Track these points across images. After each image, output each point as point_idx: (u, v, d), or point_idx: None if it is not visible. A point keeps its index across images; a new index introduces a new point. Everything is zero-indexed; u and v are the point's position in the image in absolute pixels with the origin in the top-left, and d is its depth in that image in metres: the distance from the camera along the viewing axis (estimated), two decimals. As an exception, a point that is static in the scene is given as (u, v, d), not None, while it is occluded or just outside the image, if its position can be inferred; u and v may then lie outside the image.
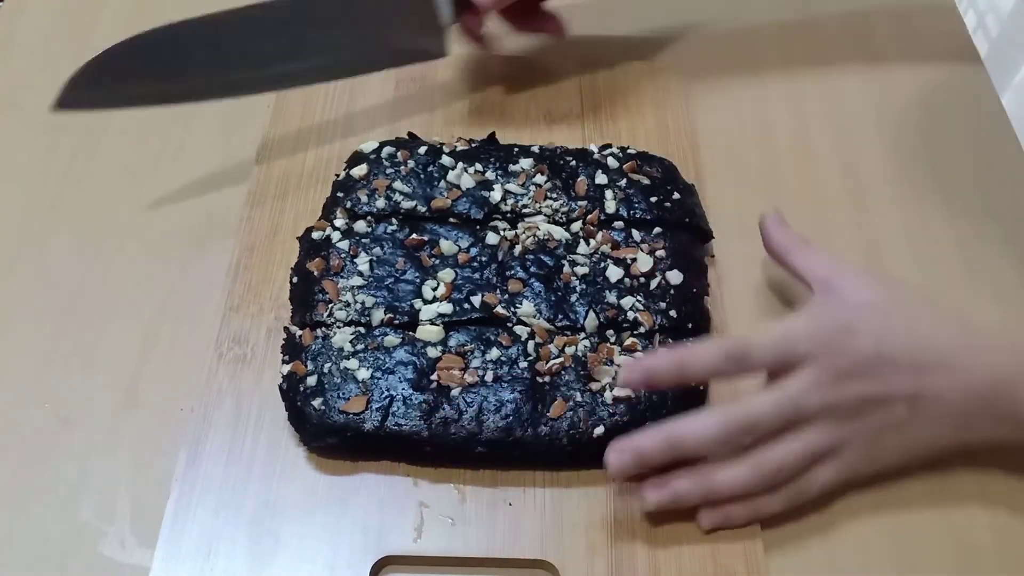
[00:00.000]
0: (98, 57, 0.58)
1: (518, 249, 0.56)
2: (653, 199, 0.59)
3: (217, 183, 0.62)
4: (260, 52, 0.60)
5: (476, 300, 0.54)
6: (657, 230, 0.57)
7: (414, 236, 0.56)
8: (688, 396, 0.51)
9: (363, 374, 0.51)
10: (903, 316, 0.49)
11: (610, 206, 0.58)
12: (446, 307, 0.53)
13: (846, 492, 0.50)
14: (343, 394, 0.50)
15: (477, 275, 0.55)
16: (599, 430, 0.50)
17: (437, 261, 0.55)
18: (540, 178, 0.59)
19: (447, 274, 0.55)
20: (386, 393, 0.50)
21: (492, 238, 0.56)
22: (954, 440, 0.49)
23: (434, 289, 0.54)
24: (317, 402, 0.50)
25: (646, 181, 0.60)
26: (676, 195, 0.59)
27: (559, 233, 0.57)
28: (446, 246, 0.56)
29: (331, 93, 0.67)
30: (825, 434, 0.47)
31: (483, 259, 0.55)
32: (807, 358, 0.47)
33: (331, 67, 0.62)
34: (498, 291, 0.54)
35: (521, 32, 0.68)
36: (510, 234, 0.57)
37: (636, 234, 0.57)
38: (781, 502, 0.48)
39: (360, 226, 0.56)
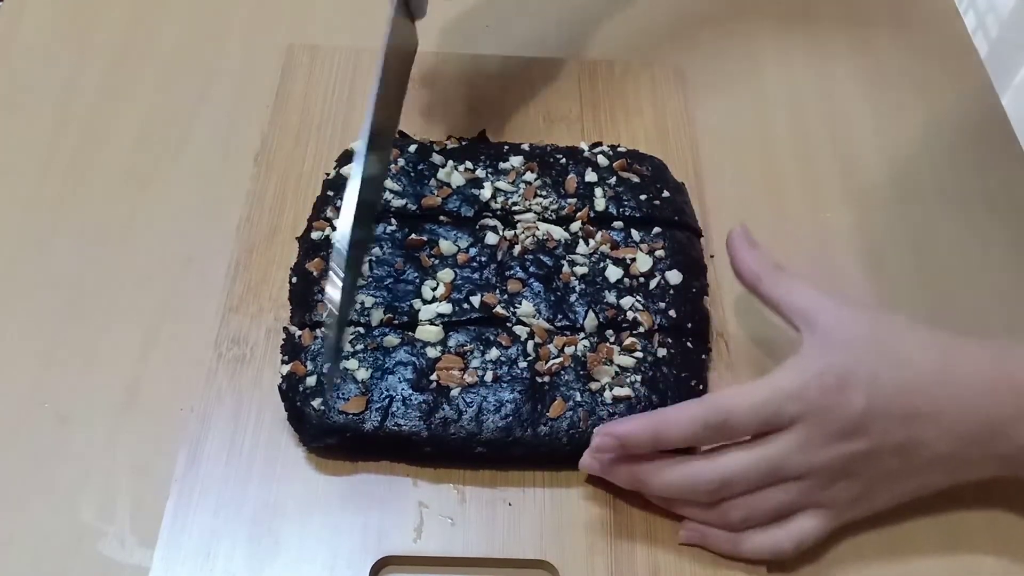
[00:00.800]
0: None
1: (517, 249, 0.56)
2: (643, 197, 0.59)
3: (217, 183, 0.62)
4: None
5: (475, 300, 0.54)
6: (656, 230, 0.57)
7: (413, 236, 0.56)
8: (688, 397, 0.51)
9: (363, 374, 0.51)
10: (891, 354, 0.46)
11: (600, 204, 0.58)
12: (445, 307, 0.53)
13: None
14: (343, 394, 0.50)
15: (476, 275, 0.55)
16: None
17: (436, 261, 0.55)
18: (530, 176, 0.59)
19: (446, 274, 0.54)
20: (386, 393, 0.50)
21: (491, 238, 0.56)
22: (948, 481, 0.48)
23: (433, 289, 0.54)
24: (317, 402, 0.50)
25: (636, 179, 0.60)
26: (666, 193, 0.59)
27: (558, 233, 0.57)
28: (445, 246, 0.56)
29: (330, 93, 0.67)
30: (805, 493, 0.46)
31: (482, 259, 0.55)
32: (795, 420, 0.45)
33: None
34: (497, 291, 0.54)
35: None
36: (509, 234, 0.57)
37: (635, 234, 0.57)
38: (761, 548, 0.47)
39: (359, 226, 0.56)
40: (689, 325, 0.54)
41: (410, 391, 0.50)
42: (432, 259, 0.55)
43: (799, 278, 0.50)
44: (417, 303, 0.53)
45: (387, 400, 0.50)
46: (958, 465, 0.47)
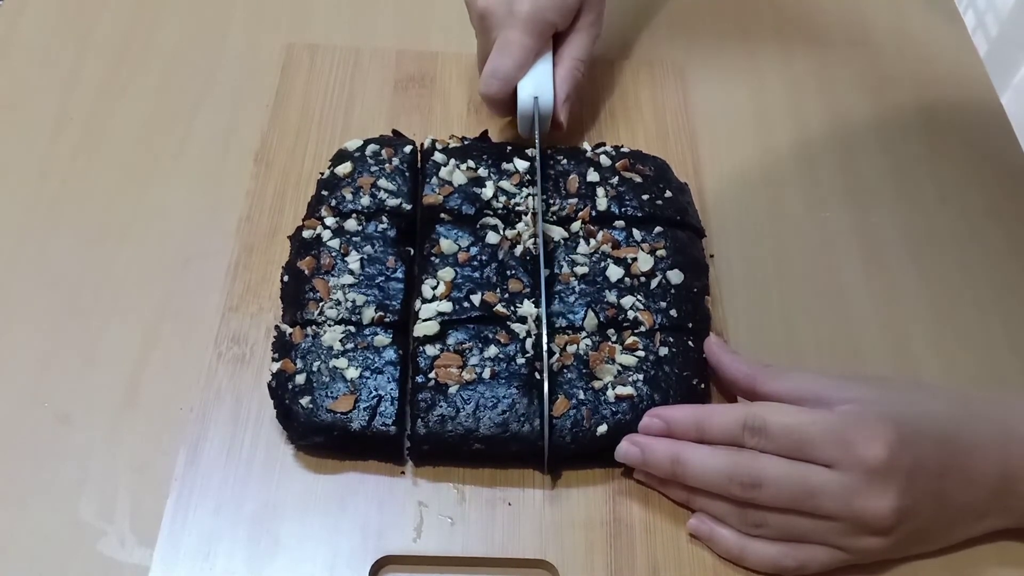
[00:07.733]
0: None
1: (518, 249, 0.56)
2: (645, 197, 0.59)
3: (217, 183, 0.62)
4: None
5: (476, 299, 0.53)
6: (658, 229, 0.57)
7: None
8: (690, 398, 0.51)
9: (352, 373, 0.51)
10: (916, 410, 0.47)
11: (601, 204, 0.58)
12: (446, 306, 0.53)
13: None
14: (331, 393, 0.50)
15: (477, 274, 0.55)
16: (602, 428, 0.50)
17: (437, 260, 0.55)
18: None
19: (447, 273, 0.54)
20: (374, 393, 0.50)
21: (492, 237, 0.56)
22: (963, 536, 0.49)
23: (434, 288, 0.54)
24: (305, 400, 0.50)
25: (638, 179, 0.59)
26: (668, 193, 0.59)
27: (559, 233, 0.57)
28: (446, 245, 0.56)
29: (330, 93, 0.67)
30: (828, 532, 0.46)
31: (483, 258, 0.55)
32: (835, 465, 0.45)
33: None
34: (498, 290, 0.54)
35: None
36: (510, 234, 0.57)
37: (637, 233, 0.57)
38: (764, 558, 0.47)
39: (351, 224, 0.56)
40: (690, 324, 0.54)
41: (398, 391, 0.50)
42: (433, 257, 0.55)
43: (792, 368, 0.50)
44: (409, 301, 0.54)
45: (375, 399, 0.50)
46: (976, 518, 0.48)
